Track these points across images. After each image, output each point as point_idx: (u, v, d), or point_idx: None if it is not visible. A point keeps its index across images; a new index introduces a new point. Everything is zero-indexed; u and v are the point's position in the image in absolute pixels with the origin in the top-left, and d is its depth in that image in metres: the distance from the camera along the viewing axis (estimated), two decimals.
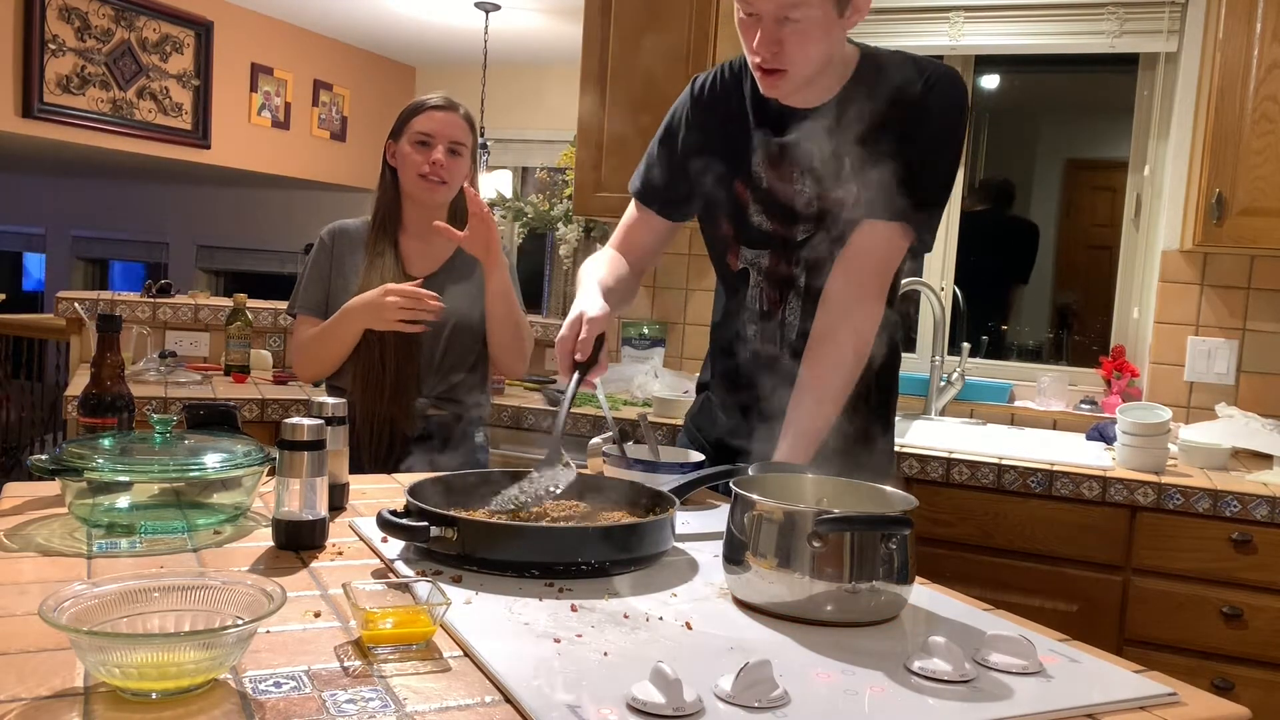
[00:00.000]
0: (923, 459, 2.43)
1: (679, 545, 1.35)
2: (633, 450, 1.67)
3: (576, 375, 1.47)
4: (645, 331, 3.33)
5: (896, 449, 2.44)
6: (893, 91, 1.58)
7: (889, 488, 1.23)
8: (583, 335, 1.46)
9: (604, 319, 1.49)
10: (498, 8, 5.69)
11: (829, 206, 1.63)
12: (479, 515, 1.32)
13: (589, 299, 1.53)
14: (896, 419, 2.87)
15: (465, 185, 2.11)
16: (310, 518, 1.26)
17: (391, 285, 2.08)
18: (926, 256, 3.20)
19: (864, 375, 1.58)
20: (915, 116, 1.56)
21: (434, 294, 2.07)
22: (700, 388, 1.92)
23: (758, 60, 1.52)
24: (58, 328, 4.53)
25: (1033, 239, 3.65)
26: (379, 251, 2.18)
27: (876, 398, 1.71)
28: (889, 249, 1.59)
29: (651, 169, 1.75)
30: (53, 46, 5.25)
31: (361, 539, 1.33)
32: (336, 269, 2.21)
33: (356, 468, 1.72)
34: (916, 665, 0.95)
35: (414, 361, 2.14)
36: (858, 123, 1.58)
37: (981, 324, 3.38)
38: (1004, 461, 2.37)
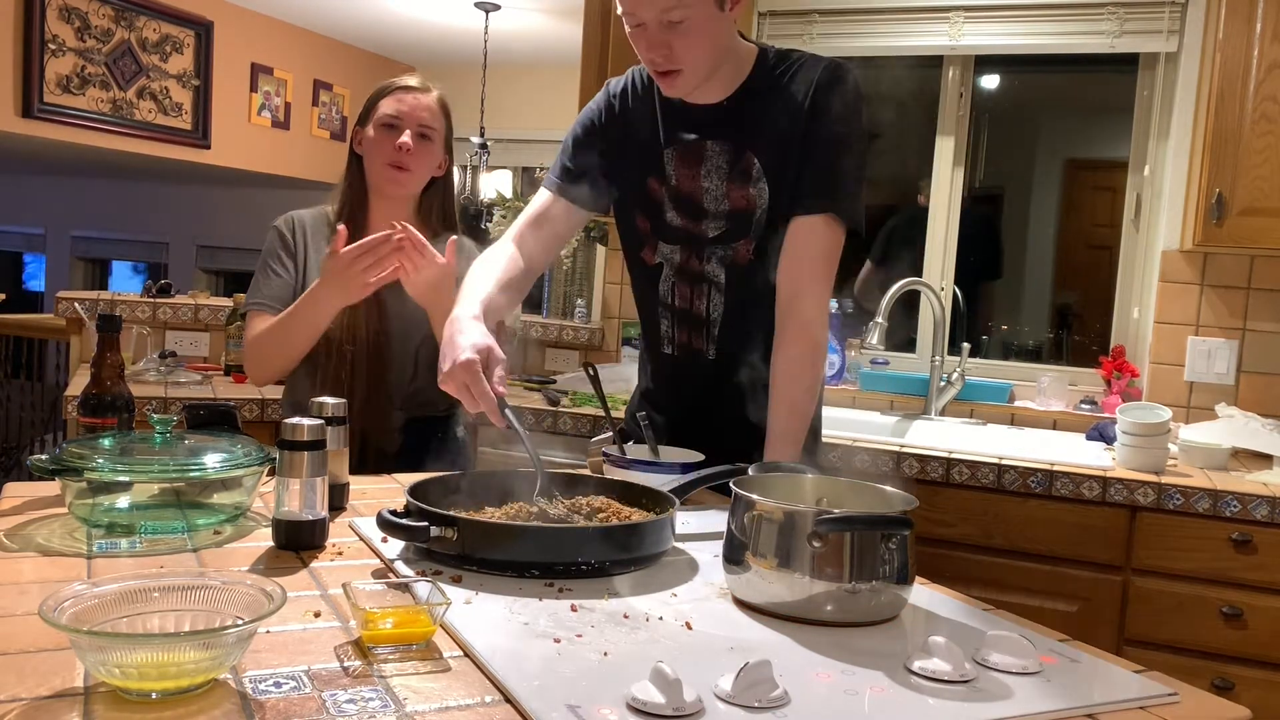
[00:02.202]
0: (923, 459, 2.43)
1: (679, 545, 1.35)
2: (633, 450, 1.67)
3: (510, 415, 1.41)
4: None
5: (897, 449, 2.45)
6: (788, 84, 1.65)
7: (889, 488, 1.23)
8: (494, 385, 1.40)
9: (489, 358, 1.42)
10: (498, 8, 5.70)
11: (735, 203, 1.68)
12: (495, 515, 1.32)
13: (472, 334, 1.45)
14: (897, 419, 2.89)
15: (404, 226, 1.81)
16: (310, 518, 1.26)
17: (339, 250, 1.79)
18: (927, 256, 3.21)
19: None
20: (814, 107, 1.62)
21: (391, 230, 1.80)
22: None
23: (651, 67, 1.60)
24: (58, 328, 4.54)
25: (993, 233, 3.65)
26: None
27: None
28: (824, 239, 1.64)
29: (567, 165, 1.78)
30: (53, 46, 5.25)
31: (361, 539, 1.33)
32: (299, 262, 2.02)
33: None
34: (916, 665, 0.95)
35: (386, 372, 1.97)
36: (758, 116, 1.65)
37: (980, 324, 3.37)
38: (1004, 461, 2.37)
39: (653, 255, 1.77)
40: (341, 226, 1.84)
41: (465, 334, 1.44)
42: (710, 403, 1.73)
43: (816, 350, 1.63)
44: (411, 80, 2.05)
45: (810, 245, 1.63)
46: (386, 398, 1.98)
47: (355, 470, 1.89)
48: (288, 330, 1.90)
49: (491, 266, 1.67)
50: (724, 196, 1.68)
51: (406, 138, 1.97)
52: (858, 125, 1.66)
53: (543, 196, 1.79)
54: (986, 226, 3.64)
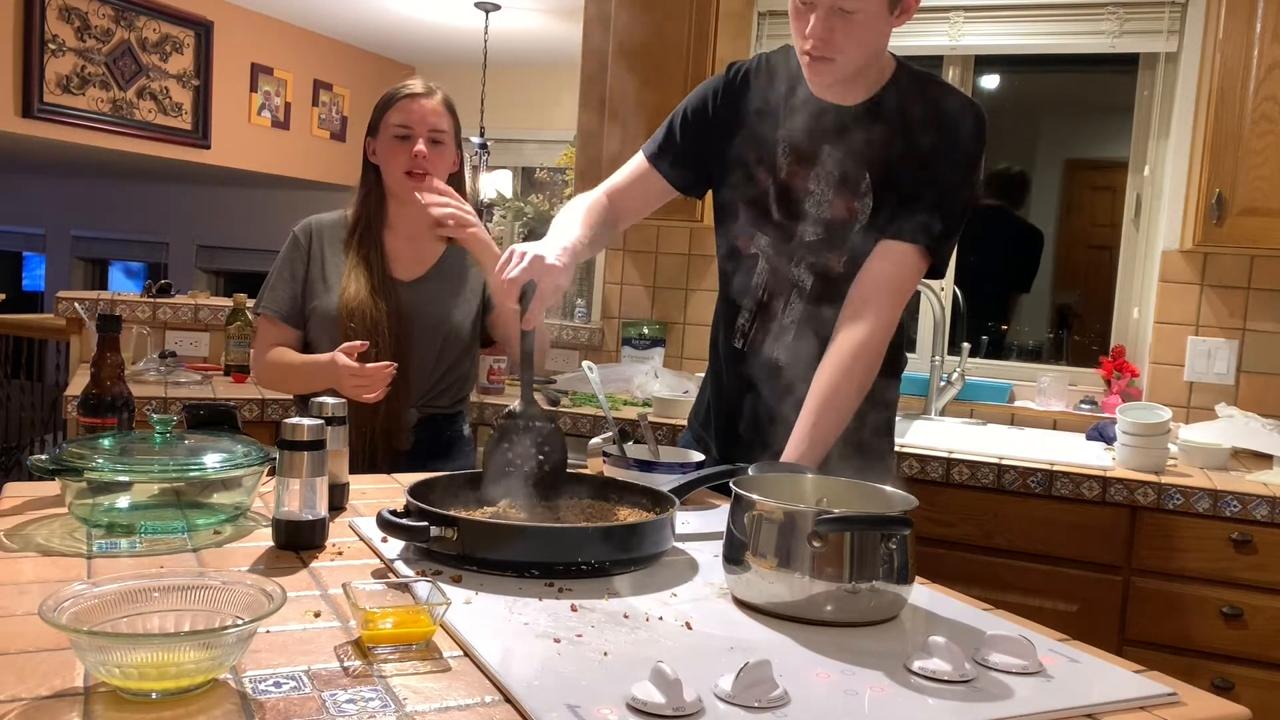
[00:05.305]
0: (923, 459, 2.43)
1: (679, 545, 1.35)
2: (633, 450, 1.67)
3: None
4: (645, 331, 3.33)
5: (896, 449, 2.45)
6: (921, 109, 1.62)
7: (889, 488, 1.23)
8: (512, 274, 1.42)
9: (556, 273, 1.46)
10: (498, 8, 5.70)
11: (837, 212, 1.65)
12: (478, 514, 1.32)
13: (554, 245, 1.51)
14: (898, 419, 2.88)
15: (428, 185, 1.96)
16: (310, 518, 1.26)
17: (346, 364, 1.87)
18: None
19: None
20: (941, 140, 1.60)
21: (390, 364, 1.89)
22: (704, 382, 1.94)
23: (807, 48, 1.55)
24: (58, 328, 4.53)
25: (1036, 246, 3.63)
26: (362, 254, 2.05)
27: (880, 404, 1.73)
28: (907, 271, 1.61)
29: (671, 138, 1.76)
30: (53, 46, 5.25)
31: (361, 539, 1.33)
32: (314, 268, 2.08)
33: None
34: (916, 665, 0.95)
35: (407, 373, 1.99)
36: (883, 132, 1.61)
37: (981, 325, 3.37)
38: (1004, 461, 2.37)
39: (749, 245, 1.74)
40: (362, 344, 1.90)
41: (541, 242, 1.51)
42: (771, 407, 1.65)
43: (869, 378, 1.58)
44: (415, 86, 2.08)
45: (894, 270, 1.60)
46: (405, 398, 2.01)
47: (368, 469, 1.93)
48: (296, 379, 2.05)
49: (583, 211, 1.68)
50: (827, 203, 1.66)
51: (421, 146, 2.02)
52: (975, 173, 1.65)
53: (639, 160, 1.78)
54: (1030, 238, 3.64)
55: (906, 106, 1.62)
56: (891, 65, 1.66)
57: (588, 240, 1.61)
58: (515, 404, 1.44)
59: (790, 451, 1.52)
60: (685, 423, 2.01)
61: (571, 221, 1.63)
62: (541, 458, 1.42)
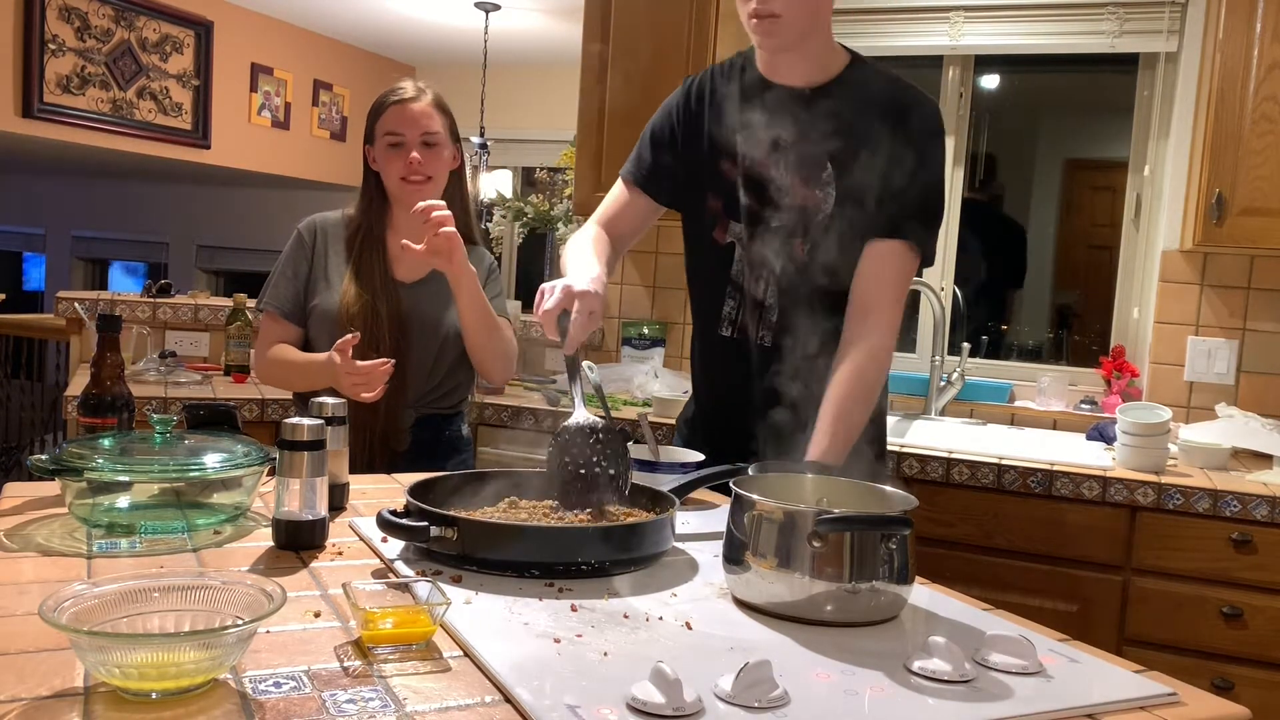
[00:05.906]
0: (923, 459, 2.43)
1: (679, 545, 1.35)
2: (633, 450, 1.67)
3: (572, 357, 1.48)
4: (645, 331, 3.33)
5: (897, 449, 2.45)
6: (877, 100, 1.66)
7: (889, 488, 1.23)
8: (547, 305, 1.46)
9: (596, 300, 1.50)
10: (498, 8, 5.70)
11: (797, 198, 1.69)
12: (478, 515, 1.31)
13: (582, 276, 1.53)
14: (897, 419, 2.89)
15: (419, 205, 1.88)
16: (310, 518, 1.26)
17: (341, 363, 1.84)
18: None
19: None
20: (903, 133, 1.63)
21: (387, 360, 1.87)
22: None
23: (751, 8, 1.61)
24: (58, 328, 4.53)
25: (1020, 240, 3.65)
26: (364, 256, 2.06)
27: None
28: (902, 267, 1.66)
29: (643, 158, 1.82)
30: (53, 46, 5.25)
31: (361, 539, 1.33)
32: (317, 266, 2.09)
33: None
34: (916, 665, 0.95)
35: (405, 377, 2.00)
36: (839, 122, 1.65)
37: (981, 325, 3.37)
38: (1004, 461, 2.37)
39: (724, 235, 1.77)
40: (354, 335, 1.86)
41: (567, 277, 1.53)
42: (757, 391, 1.67)
43: (882, 374, 1.64)
44: (404, 91, 2.07)
45: (888, 269, 1.65)
46: (403, 399, 2.02)
47: (365, 470, 1.91)
48: (297, 377, 2.06)
49: (589, 245, 1.71)
50: (788, 189, 1.69)
51: (415, 153, 2.03)
52: (942, 166, 1.71)
53: (620, 186, 1.84)
54: (1016, 234, 3.64)
55: (862, 95, 1.67)
56: (845, 56, 1.72)
57: (604, 270, 1.65)
58: (579, 416, 1.41)
59: (814, 450, 1.54)
60: None
61: (583, 256, 1.66)
62: (613, 469, 1.39)
